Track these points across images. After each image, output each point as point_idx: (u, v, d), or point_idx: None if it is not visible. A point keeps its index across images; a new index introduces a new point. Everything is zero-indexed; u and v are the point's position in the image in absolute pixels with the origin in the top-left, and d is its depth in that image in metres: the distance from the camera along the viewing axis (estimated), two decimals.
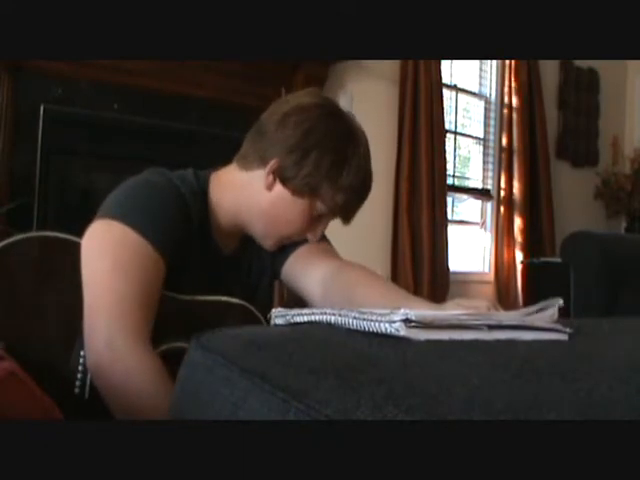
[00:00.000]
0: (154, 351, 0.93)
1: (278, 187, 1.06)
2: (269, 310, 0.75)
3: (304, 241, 1.15)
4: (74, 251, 0.96)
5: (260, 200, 1.07)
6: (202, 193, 1.08)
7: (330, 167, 1.04)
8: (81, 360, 0.95)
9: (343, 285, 1.07)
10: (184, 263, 1.03)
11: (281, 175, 1.05)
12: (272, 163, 1.04)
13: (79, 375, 0.95)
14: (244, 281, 1.17)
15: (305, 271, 1.14)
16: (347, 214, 1.11)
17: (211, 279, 1.10)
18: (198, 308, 1.03)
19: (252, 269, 1.19)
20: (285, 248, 1.16)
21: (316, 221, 1.10)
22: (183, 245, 1.02)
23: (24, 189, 2.42)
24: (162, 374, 0.88)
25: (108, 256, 0.94)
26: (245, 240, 1.16)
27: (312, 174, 1.04)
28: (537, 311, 0.72)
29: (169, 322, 0.98)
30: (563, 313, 0.73)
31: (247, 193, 1.08)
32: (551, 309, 0.72)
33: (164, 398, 0.86)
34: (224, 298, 1.06)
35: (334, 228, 1.18)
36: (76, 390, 0.95)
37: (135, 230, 0.95)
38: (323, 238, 1.19)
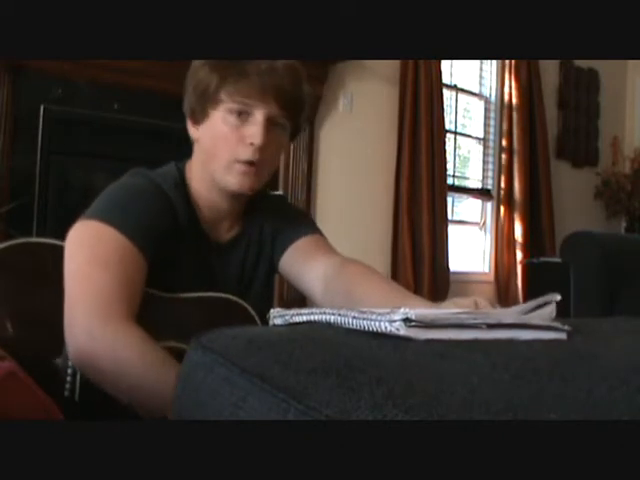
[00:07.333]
0: None
1: (200, 130, 1.09)
2: (268, 305, 0.75)
3: (301, 232, 1.17)
4: (62, 255, 0.98)
5: (202, 152, 1.10)
6: (183, 184, 1.11)
7: (197, 70, 1.06)
8: (70, 363, 0.95)
9: (345, 281, 1.07)
10: (175, 258, 1.05)
11: (192, 120, 1.10)
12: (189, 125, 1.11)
13: (68, 378, 0.95)
14: (240, 269, 1.17)
15: (306, 265, 1.14)
16: (249, 86, 1.04)
17: (204, 269, 1.11)
18: (190, 306, 1.03)
19: (248, 256, 1.18)
20: (284, 239, 1.17)
21: (244, 123, 1.05)
22: (172, 240, 1.03)
23: (24, 189, 2.42)
24: (148, 344, 0.89)
25: (85, 250, 0.96)
26: (244, 226, 1.17)
27: (196, 87, 1.06)
28: (535, 308, 0.72)
29: (161, 321, 0.98)
30: (563, 313, 0.73)
31: (200, 160, 1.11)
32: (549, 307, 0.72)
33: (156, 366, 0.87)
34: (216, 294, 1.06)
35: (335, 228, 1.18)
36: (66, 393, 0.95)
37: (112, 226, 0.97)
38: (319, 233, 1.20)
